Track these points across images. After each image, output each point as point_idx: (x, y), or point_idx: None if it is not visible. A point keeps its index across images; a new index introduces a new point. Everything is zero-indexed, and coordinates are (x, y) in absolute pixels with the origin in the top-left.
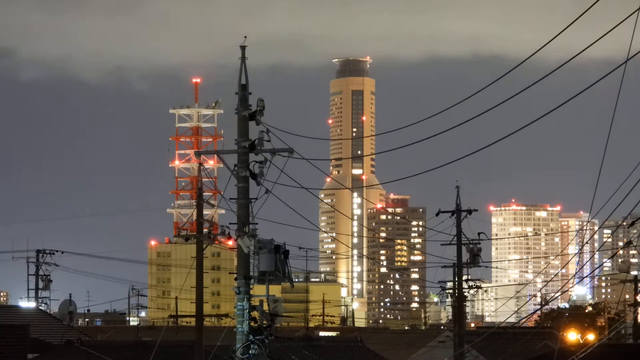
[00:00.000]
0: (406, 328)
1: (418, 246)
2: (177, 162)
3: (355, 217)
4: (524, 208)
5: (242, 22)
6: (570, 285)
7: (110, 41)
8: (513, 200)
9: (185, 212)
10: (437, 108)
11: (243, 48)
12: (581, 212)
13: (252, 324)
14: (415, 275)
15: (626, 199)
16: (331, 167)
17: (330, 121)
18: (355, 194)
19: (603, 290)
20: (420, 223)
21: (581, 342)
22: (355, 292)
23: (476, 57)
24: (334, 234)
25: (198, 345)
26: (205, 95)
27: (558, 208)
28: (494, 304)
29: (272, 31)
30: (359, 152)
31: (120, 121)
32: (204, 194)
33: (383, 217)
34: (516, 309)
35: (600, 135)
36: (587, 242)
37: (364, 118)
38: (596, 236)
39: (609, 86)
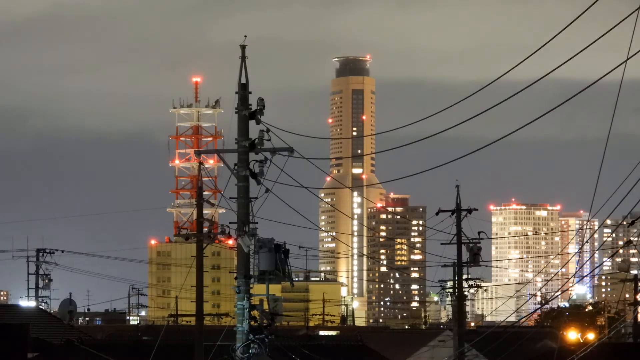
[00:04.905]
0: (406, 327)
1: (418, 245)
2: (177, 161)
3: (356, 216)
4: (524, 207)
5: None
6: (570, 285)
7: None
8: (513, 200)
9: (185, 212)
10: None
11: (243, 47)
12: (581, 211)
13: (252, 323)
14: (415, 275)
15: (626, 199)
16: (331, 167)
17: (330, 120)
18: (355, 193)
19: (603, 290)
20: (420, 222)
21: (581, 341)
22: (355, 291)
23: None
24: (334, 233)
25: (198, 345)
26: (206, 94)
27: (558, 207)
28: (494, 303)
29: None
30: (359, 151)
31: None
32: (204, 193)
33: (383, 216)
34: (516, 308)
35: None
36: (587, 242)
37: (364, 117)
38: (596, 235)
39: (609, 85)
